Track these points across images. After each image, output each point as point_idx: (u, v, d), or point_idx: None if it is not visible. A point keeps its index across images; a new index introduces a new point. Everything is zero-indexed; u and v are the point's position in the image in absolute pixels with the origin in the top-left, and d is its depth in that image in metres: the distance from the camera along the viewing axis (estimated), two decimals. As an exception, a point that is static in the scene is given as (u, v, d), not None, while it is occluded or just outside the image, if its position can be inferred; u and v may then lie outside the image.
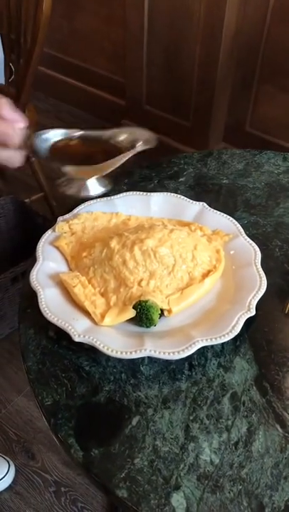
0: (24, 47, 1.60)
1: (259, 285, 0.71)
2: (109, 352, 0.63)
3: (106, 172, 0.75)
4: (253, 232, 0.84)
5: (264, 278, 0.72)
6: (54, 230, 0.79)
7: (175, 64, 1.97)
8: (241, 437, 0.60)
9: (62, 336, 0.67)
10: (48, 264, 0.74)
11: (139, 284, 0.70)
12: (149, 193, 0.86)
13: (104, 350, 0.63)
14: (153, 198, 0.85)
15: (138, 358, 0.65)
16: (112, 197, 0.85)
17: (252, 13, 1.77)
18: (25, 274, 0.73)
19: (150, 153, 2.39)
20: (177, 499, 0.54)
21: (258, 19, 1.77)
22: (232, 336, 0.65)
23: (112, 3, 2.13)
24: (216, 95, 1.94)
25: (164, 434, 0.60)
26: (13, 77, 1.77)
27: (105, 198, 0.85)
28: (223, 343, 0.67)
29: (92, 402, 0.62)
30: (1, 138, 0.63)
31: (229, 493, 0.55)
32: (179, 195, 0.86)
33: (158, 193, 0.86)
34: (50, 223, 0.81)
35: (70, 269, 0.75)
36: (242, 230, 0.80)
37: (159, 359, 0.65)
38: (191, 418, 0.61)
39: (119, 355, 0.63)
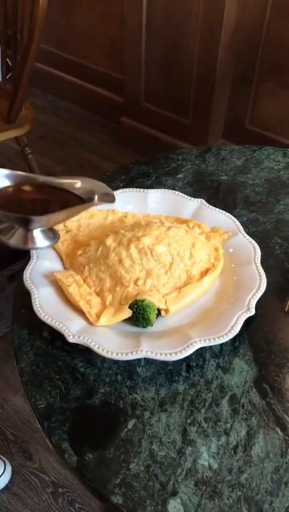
0: (21, 43, 1.58)
1: (259, 284, 0.69)
2: (104, 353, 0.61)
3: (56, 224, 0.71)
4: (252, 230, 0.82)
5: (264, 277, 0.70)
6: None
7: (174, 60, 1.95)
8: (240, 441, 0.58)
9: (56, 336, 0.65)
10: (42, 262, 0.72)
11: (135, 283, 0.68)
12: (146, 190, 0.84)
13: (100, 351, 0.61)
14: (150, 195, 0.83)
15: (134, 359, 0.63)
16: (109, 194, 0.83)
17: (252, 7, 1.75)
18: (22, 269, 0.71)
19: (148, 151, 2.38)
20: (174, 506, 0.53)
21: (258, 13, 1.75)
22: (231, 336, 0.64)
23: (110, -1, 2.11)
24: (216, 92, 1.92)
25: (160, 437, 0.58)
26: (10, 74, 1.75)
27: (101, 195, 0.83)
28: (221, 344, 0.65)
29: (87, 404, 0.61)
30: None
31: (228, 499, 0.53)
32: (176, 192, 0.84)
33: (155, 190, 0.84)
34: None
35: (65, 268, 0.73)
36: (241, 228, 0.78)
37: (156, 360, 0.63)
38: (189, 421, 0.59)
39: (114, 357, 0.61)
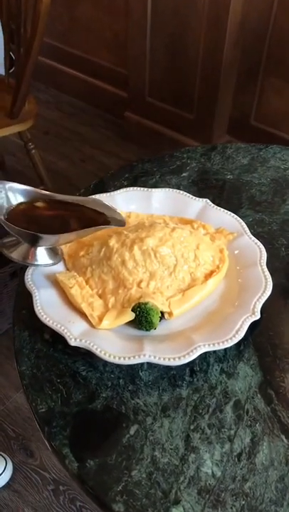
0: (24, 36, 1.56)
1: (264, 287, 0.68)
2: (106, 357, 0.60)
3: (64, 243, 0.70)
4: (258, 231, 0.81)
5: (269, 279, 0.69)
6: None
7: (179, 54, 1.93)
8: (244, 448, 0.57)
9: (58, 338, 0.64)
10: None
11: (138, 285, 0.66)
12: (150, 189, 0.82)
13: (102, 355, 0.60)
14: (154, 194, 0.82)
15: (137, 364, 0.62)
16: (112, 192, 0.82)
17: (258, 0, 1.73)
18: (24, 269, 0.70)
19: (152, 146, 2.36)
20: (176, 515, 0.52)
21: (264, 6, 1.72)
22: (235, 341, 0.62)
23: (115, -9, 2.08)
24: (221, 87, 1.89)
25: (163, 444, 0.57)
26: (13, 68, 1.73)
27: (105, 194, 0.81)
28: (226, 348, 0.64)
29: (89, 409, 0.60)
30: None
31: (231, 508, 0.52)
32: (181, 191, 0.82)
33: (159, 189, 0.82)
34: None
35: (67, 269, 0.72)
36: (247, 229, 0.77)
37: (159, 364, 0.62)
38: (192, 427, 0.58)
39: (116, 361, 0.60)
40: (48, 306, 0.65)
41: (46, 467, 1.37)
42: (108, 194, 0.81)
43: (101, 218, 0.68)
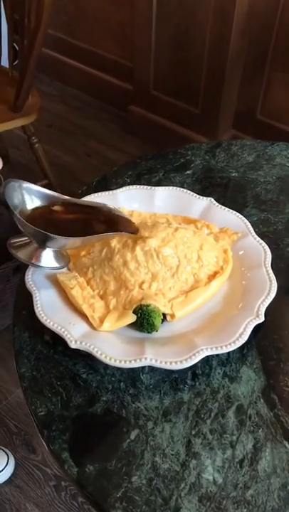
0: (28, 27, 1.53)
1: (269, 289, 0.67)
2: (107, 360, 0.59)
3: (74, 247, 0.68)
4: (263, 230, 0.79)
5: (274, 281, 0.68)
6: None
7: (185, 46, 1.90)
8: (247, 454, 0.56)
9: (58, 340, 0.63)
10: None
11: (140, 286, 0.65)
12: (153, 187, 0.81)
13: (102, 358, 0.59)
14: (157, 193, 0.80)
15: (138, 367, 0.61)
16: (115, 191, 0.81)
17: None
18: (25, 267, 0.69)
19: (156, 140, 2.33)
20: (177, 522, 0.51)
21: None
22: (239, 344, 0.61)
23: (120, -18, 2.05)
24: (227, 80, 1.87)
25: (164, 449, 0.56)
26: (17, 61, 1.71)
27: (107, 192, 0.80)
28: (229, 351, 0.63)
29: (89, 413, 0.59)
30: None
31: (233, 516, 0.51)
32: (185, 190, 0.81)
33: (163, 187, 0.81)
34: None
35: (68, 269, 0.70)
36: (251, 228, 0.75)
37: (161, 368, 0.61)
38: (194, 433, 0.57)
39: (117, 364, 0.59)
40: (48, 307, 0.64)
41: (48, 463, 1.37)
42: (110, 192, 0.80)
43: (118, 225, 0.67)
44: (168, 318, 0.65)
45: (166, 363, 0.59)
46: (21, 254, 0.64)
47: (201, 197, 0.80)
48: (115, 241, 0.68)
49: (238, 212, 0.78)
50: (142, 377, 0.62)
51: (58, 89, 2.55)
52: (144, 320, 0.63)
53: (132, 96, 2.20)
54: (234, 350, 0.62)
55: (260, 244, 0.73)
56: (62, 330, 0.62)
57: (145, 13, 1.91)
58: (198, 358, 0.59)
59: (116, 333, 0.64)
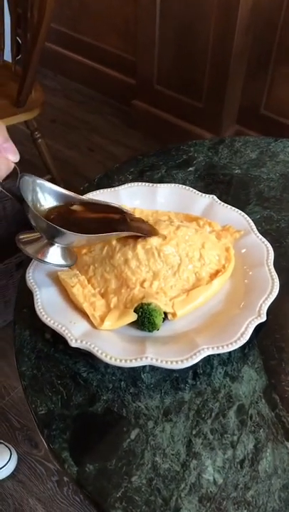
0: (31, 22, 1.52)
1: (271, 288, 0.66)
2: (107, 359, 0.59)
3: (82, 245, 0.68)
4: (265, 228, 0.79)
5: (276, 280, 0.67)
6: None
7: (188, 40, 1.89)
8: (247, 455, 0.56)
9: (59, 338, 0.63)
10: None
11: (141, 284, 0.65)
12: (155, 184, 0.80)
13: (103, 357, 0.59)
14: (159, 190, 0.80)
15: (139, 366, 0.61)
16: (117, 187, 0.80)
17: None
18: (27, 264, 0.69)
19: (159, 135, 2.32)
20: (177, 523, 0.51)
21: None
22: (240, 344, 0.61)
23: (124, -24, 2.04)
24: (231, 75, 1.85)
25: (164, 449, 0.56)
26: (19, 56, 1.71)
27: (109, 189, 0.80)
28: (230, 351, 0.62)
29: (89, 412, 0.59)
30: None
31: (233, 517, 0.51)
32: (187, 187, 0.80)
33: (165, 185, 0.80)
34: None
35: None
36: (254, 226, 0.75)
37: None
38: (194, 432, 0.57)
39: (118, 363, 0.59)
40: (49, 306, 0.64)
41: (50, 458, 1.38)
42: (112, 189, 0.79)
43: (132, 225, 0.67)
44: (169, 317, 0.65)
45: (167, 362, 0.59)
46: (30, 250, 0.63)
47: (204, 194, 0.79)
48: (116, 239, 0.67)
49: (241, 209, 0.78)
50: (142, 376, 0.62)
51: (62, 83, 2.54)
52: (145, 319, 0.62)
53: (136, 90, 2.19)
54: (235, 349, 0.62)
55: (263, 242, 0.72)
56: (63, 328, 0.61)
57: (149, 7, 1.90)
58: (199, 358, 0.59)
59: (117, 332, 0.63)
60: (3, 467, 1.32)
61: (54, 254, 0.63)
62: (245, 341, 0.61)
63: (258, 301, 0.65)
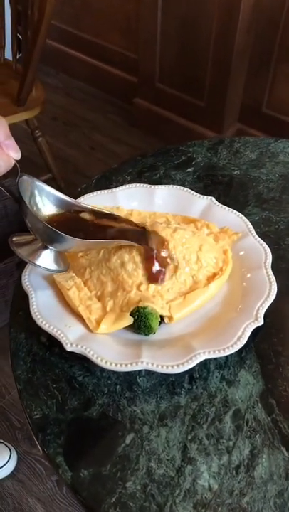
0: (31, 19, 1.51)
1: (268, 291, 0.65)
2: (103, 364, 0.59)
3: (81, 250, 0.67)
4: (264, 230, 0.78)
5: (274, 283, 0.67)
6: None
7: (190, 38, 1.88)
8: (243, 461, 0.55)
9: (54, 342, 0.63)
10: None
11: (138, 287, 0.64)
12: (153, 186, 0.80)
13: (98, 361, 0.59)
14: (157, 191, 0.79)
15: (134, 370, 0.60)
16: (114, 189, 0.79)
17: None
18: (23, 266, 0.68)
19: (161, 133, 2.30)
20: (171, 529, 0.50)
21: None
22: (237, 348, 0.60)
23: (126, -26, 2.02)
24: (232, 73, 1.84)
25: (159, 454, 0.55)
26: (20, 54, 1.70)
27: (107, 191, 0.79)
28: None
29: (84, 416, 0.58)
30: None
31: (227, 524, 0.51)
32: (185, 189, 0.79)
33: (163, 186, 0.80)
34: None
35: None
36: (252, 229, 0.74)
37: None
38: (190, 437, 0.57)
39: (113, 368, 0.58)
40: (44, 309, 0.64)
41: (50, 458, 1.38)
42: (110, 191, 0.79)
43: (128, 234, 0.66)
44: (166, 320, 0.64)
45: (162, 366, 0.58)
46: (22, 252, 0.62)
47: (202, 196, 0.78)
48: (112, 242, 0.67)
49: (240, 211, 0.77)
50: (138, 380, 0.61)
51: (63, 81, 2.53)
52: (142, 322, 0.62)
53: (137, 88, 2.18)
54: (232, 353, 0.61)
55: (261, 244, 0.72)
56: (58, 332, 0.61)
57: (150, 5, 1.89)
58: (195, 362, 0.59)
59: (113, 336, 0.63)
60: (2, 466, 1.32)
61: (46, 258, 0.62)
62: (241, 345, 0.61)
63: (255, 304, 0.64)
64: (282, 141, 0.94)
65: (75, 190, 0.83)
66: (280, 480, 0.54)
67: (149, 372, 0.61)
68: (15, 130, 0.56)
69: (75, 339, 0.61)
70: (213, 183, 0.86)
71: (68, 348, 0.60)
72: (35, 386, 0.61)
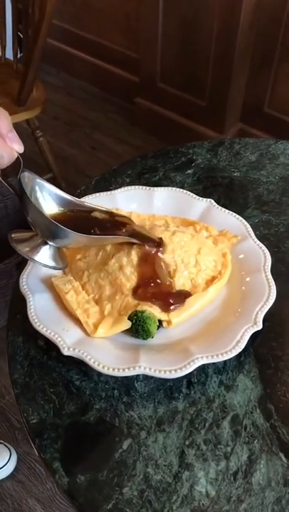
0: (32, 18, 1.51)
1: (267, 295, 0.65)
2: (100, 368, 0.58)
3: (76, 246, 0.66)
4: (264, 232, 0.78)
5: (273, 287, 0.66)
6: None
7: (192, 37, 1.87)
8: (241, 466, 0.55)
9: (52, 345, 0.62)
10: (40, 266, 0.69)
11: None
12: (152, 188, 0.79)
13: (95, 366, 0.58)
14: (156, 194, 0.78)
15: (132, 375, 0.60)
16: (113, 191, 0.79)
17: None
18: (21, 269, 0.68)
19: (162, 133, 2.29)
20: (167, 536, 0.50)
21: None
22: (235, 353, 0.60)
23: (127, -27, 2.02)
24: (234, 73, 1.83)
25: (156, 460, 0.55)
26: (21, 54, 1.69)
27: (105, 193, 0.79)
28: (225, 359, 0.61)
29: (81, 421, 0.58)
30: None
31: (225, 531, 0.50)
32: (184, 191, 0.79)
33: (162, 188, 0.79)
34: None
35: (64, 272, 0.69)
36: (251, 231, 0.73)
37: (155, 376, 0.60)
38: (187, 443, 0.56)
39: (110, 372, 0.58)
40: (42, 312, 0.63)
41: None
42: (109, 193, 0.78)
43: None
44: (164, 324, 0.64)
45: (160, 371, 0.58)
46: (22, 248, 0.62)
47: (201, 198, 0.78)
48: (111, 245, 0.66)
49: (239, 213, 0.77)
50: (136, 384, 0.61)
51: (64, 80, 2.52)
52: (139, 326, 0.61)
53: (139, 88, 2.18)
54: (231, 357, 0.61)
55: (260, 247, 0.71)
56: (56, 336, 0.61)
57: (151, 4, 1.88)
58: (193, 367, 0.58)
59: (110, 340, 0.62)
60: (2, 467, 1.32)
61: (45, 255, 0.62)
62: (240, 350, 0.60)
63: (254, 308, 0.64)
64: (282, 143, 0.94)
65: (76, 190, 0.83)
66: (278, 486, 0.53)
67: (147, 377, 0.61)
68: (16, 129, 0.56)
69: (73, 343, 0.60)
70: (213, 185, 0.85)
71: (65, 352, 0.60)
72: (33, 390, 0.60)
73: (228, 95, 1.89)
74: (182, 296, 0.64)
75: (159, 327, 0.63)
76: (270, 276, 0.67)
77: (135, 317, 0.62)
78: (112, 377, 0.61)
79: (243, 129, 2.02)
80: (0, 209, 1.71)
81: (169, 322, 0.63)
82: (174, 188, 0.79)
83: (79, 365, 0.62)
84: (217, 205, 0.77)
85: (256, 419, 0.58)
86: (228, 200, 0.82)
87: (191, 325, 0.64)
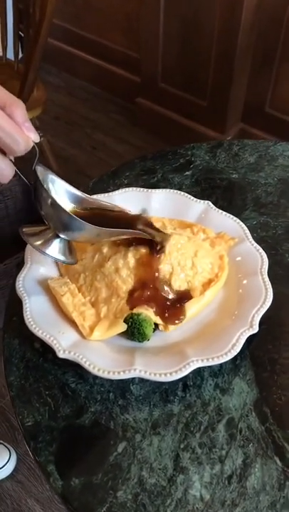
0: (33, 18, 1.51)
1: (264, 298, 0.65)
2: (95, 371, 0.58)
3: (91, 240, 0.66)
4: (261, 235, 0.77)
5: (270, 290, 0.66)
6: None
7: (193, 37, 1.86)
8: (236, 470, 0.55)
9: (48, 348, 0.62)
10: (37, 268, 0.69)
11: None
12: (150, 190, 0.79)
13: (91, 369, 0.58)
14: (154, 195, 0.78)
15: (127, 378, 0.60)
16: (111, 193, 0.79)
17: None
18: (18, 271, 0.68)
19: (163, 133, 2.29)
20: (161, 540, 0.50)
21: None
22: (231, 356, 0.60)
23: (128, -28, 2.01)
24: (235, 73, 1.83)
25: (151, 463, 0.55)
26: (22, 54, 1.69)
27: (103, 195, 0.78)
28: (221, 362, 0.61)
29: (76, 424, 0.58)
30: (6, 141, 0.50)
31: (218, 535, 0.50)
32: (182, 193, 0.79)
33: (159, 190, 0.79)
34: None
35: (61, 274, 0.69)
36: (249, 234, 0.73)
37: (151, 379, 0.60)
38: (182, 446, 0.56)
39: (106, 375, 0.58)
40: (38, 315, 0.63)
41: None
42: (107, 194, 0.78)
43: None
44: (160, 327, 0.64)
45: (155, 374, 0.58)
46: (33, 241, 0.62)
47: (199, 200, 0.78)
48: (107, 247, 0.66)
49: (237, 215, 0.76)
50: (131, 387, 0.61)
51: (66, 80, 2.52)
52: (135, 329, 0.61)
53: (140, 88, 2.18)
54: (227, 360, 0.61)
55: (258, 250, 0.71)
56: (51, 339, 0.61)
57: (152, 4, 1.88)
58: (188, 370, 0.58)
59: (106, 342, 0.62)
60: (2, 467, 1.32)
61: (56, 248, 0.62)
62: (236, 353, 0.60)
63: (251, 311, 0.63)
64: (281, 144, 0.93)
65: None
66: (273, 491, 0.53)
67: (142, 380, 0.61)
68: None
69: (68, 346, 0.60)
70: (211, 187, 0.85)
71: (61, 355, 0.59)
72: (28, 393, 0.60)
73: (229, 95, 1.88)
74: (180, 301, 0.64)
75: (154, 330, 0.63)
76: (267, 279, 0.67)
77: (131, 320, 0.62)
78: (107, 380, 0.61)
79: (244, 129, 2.02)
80: (0, 209, 1.71)
81: (165, 326, 0.63)
82: (171, 190, 0.79)
83: (74, 367, 0.62)
84: (214, 207, 0.77)
85: (251, 423, 0.58)
86: (226, 202, 0.82)
87: (187, 328, 0.64)
